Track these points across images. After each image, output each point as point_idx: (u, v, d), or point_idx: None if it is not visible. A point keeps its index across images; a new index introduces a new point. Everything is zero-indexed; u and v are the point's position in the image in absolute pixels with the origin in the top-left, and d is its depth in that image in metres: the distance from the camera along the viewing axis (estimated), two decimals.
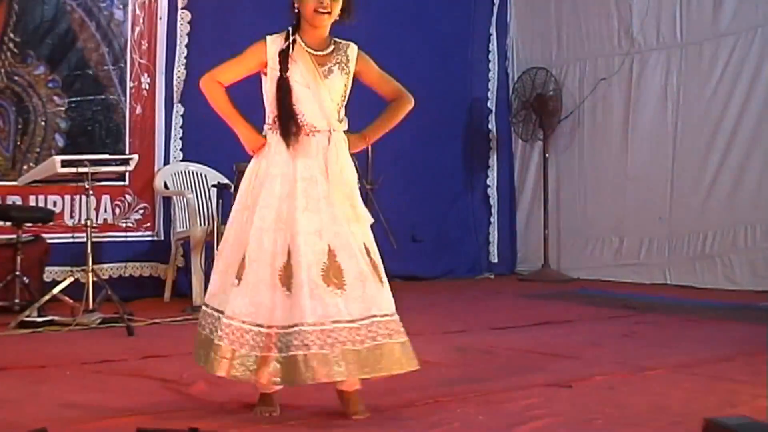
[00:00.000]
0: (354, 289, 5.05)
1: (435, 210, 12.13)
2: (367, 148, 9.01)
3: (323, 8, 5.29)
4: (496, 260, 12.90)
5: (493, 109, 12.99)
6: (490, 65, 13.00)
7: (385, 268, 10.28)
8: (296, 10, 5.30)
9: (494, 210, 12.97)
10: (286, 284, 4.96)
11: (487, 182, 12.98)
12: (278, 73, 5.25)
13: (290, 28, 5.32)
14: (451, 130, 12.61)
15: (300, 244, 4.97)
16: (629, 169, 11.79)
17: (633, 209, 11.67)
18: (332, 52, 5.53)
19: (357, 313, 5.00)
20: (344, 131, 5.60)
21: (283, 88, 5.25)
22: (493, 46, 13.01)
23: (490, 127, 12.96)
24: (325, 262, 5.03)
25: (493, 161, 12.99)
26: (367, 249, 5.25)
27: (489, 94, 12.99)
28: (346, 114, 5.64)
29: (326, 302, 4.91)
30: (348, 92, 5.67)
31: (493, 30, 12.98)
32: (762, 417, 3.91)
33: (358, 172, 9.15)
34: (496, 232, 12.98)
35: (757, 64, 10.68)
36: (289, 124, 5.23)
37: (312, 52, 5.38)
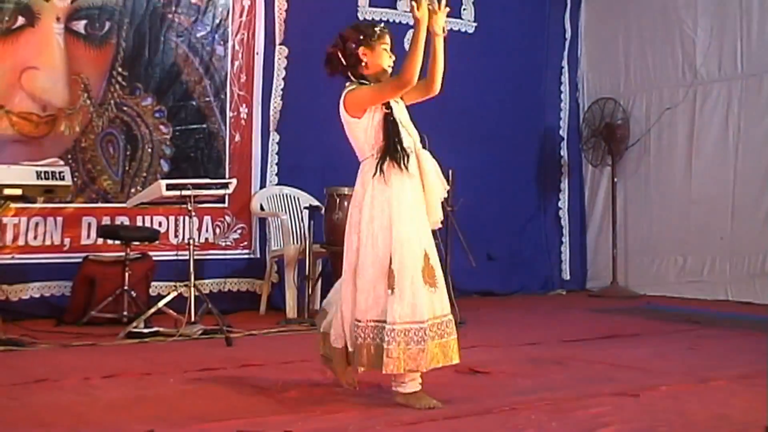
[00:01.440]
0: (441, 288, 5.63)
1: (510, 230, 12.10)
2: (448, 173, 9.04)
3: (392, 62, 5.71)
4: (568, 277, 12.84)
5: (565, 136, 12.95)
6: (562, 96, 12.96)
7: (463, 284, 10.34)
8: (363, 62, 5.63)
9: (566, 230, 12.93)
10: (430, 282, 5.51)
11: (559, 205, 12.93)
12: (386, 111, 5.56)
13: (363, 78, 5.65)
14: (526, 156, 12.58)
15: (430, 249, 5.60)
16: (692, 192, 11.70)
17: (696, 230, 11.58)
18: None
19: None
20: None
21: (392, 122, 5.55)
22: (565, 77, 12.97)
23: (561, 153, 12.92)
24: (423, 264, 5.50)
25: (565, 185, 12.94)
26: None
27: (561, 122, 12.95)
28: None
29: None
30: None
31: (564, 63, 12.95)
32: None
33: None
34: (567, 251, 12.92)
35: None
36: (399, 151, 5.50)
37: None
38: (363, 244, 5.47)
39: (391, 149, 5.51)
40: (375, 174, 5.50)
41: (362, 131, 5.58)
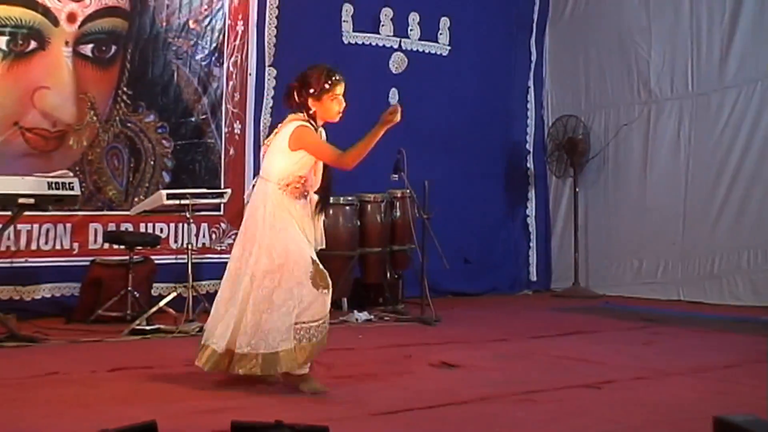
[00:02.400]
0: None
1: (481, 236, 12.11)
2: (424, 184, 9.05)
3: (341, 109, 5.83)
4: (534, 279, 12.86)
5: (531, 150, 12.97)
6: (528, 113, 12.98)
7: (438, 285, 10.34)
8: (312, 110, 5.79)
9: (532, 236, 12.94)
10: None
11: (526, 212, 12.96)
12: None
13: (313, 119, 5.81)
14: (495, 168, 12.60)
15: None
16: (647, 201, 11.73)
17: (650, 235, 11.61)
18: None
19: None
20: None
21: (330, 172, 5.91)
22: (531, 96, 12.99)
23: (528, 165, 12.94)
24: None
25: (531, 195, 12.96)
26: None
27: (527, 137, 12.97)
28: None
29: None
30: None
31: (531, 83, 12.97)
32: (765, 416, 3.87)
33: (413, 202, 9.24)
34: (534, 255, 12.94)
35: (757, 111, 10.64)
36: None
37: None
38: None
39: (326, 191, 5.92)
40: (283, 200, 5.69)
41: (290, 164, 5.68)
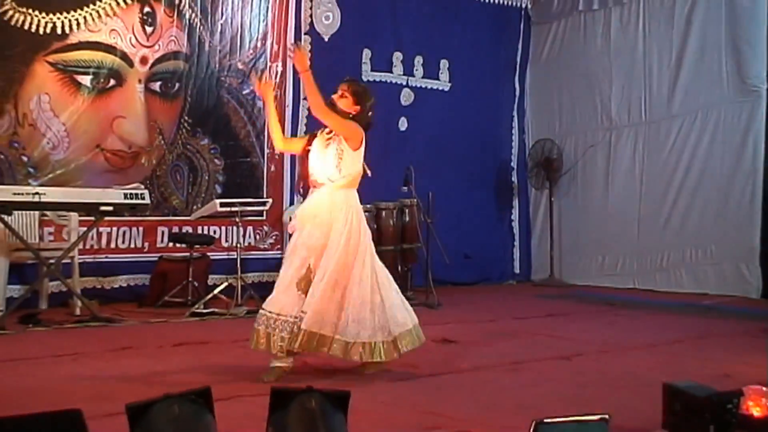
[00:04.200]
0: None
1: (475, 236, 12.07)
2: (429, 194, 9.03)
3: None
4: (518, 271, 12.81)
5: (515, 167, 12.93)
6: (513, 137, 12.94)
7: (439, 276, 10.31)
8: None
9: (516, 236, 12.90)
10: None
11: (511, 217, 12.92)
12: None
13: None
14: (486, 182, 12.58)
15: None
16: (609, 208, 11.71)
17: (612, 236, 11.59)
18: None
19: None
20: None
21: None
22: (515, 123, 12.95)
23: (512, 179, 12.90)
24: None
25: (515, 203, 12.93)
26: None
27: (512, 156, 12.93)
28: None
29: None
30: None
31: (515, 112, 12.93)
32: (705, 383, 3.87)
33: (419, 209, 9.15)
34: (517, 252, 12.90)
35: (698, 136, 10.64)
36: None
37: None
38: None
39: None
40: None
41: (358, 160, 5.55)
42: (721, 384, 4.10)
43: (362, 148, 5.39)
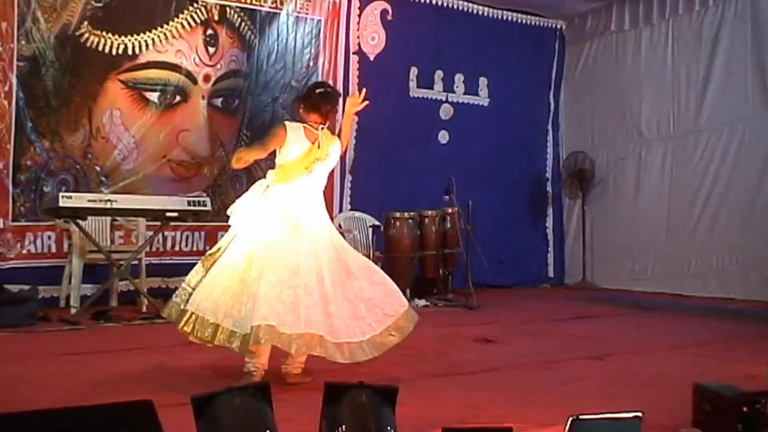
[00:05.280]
0: None
1: (512, 242, 12.03)
2: (468, 203, 9.00)
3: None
4: (552, 275, 12.75)
5: (550, 178, 12.87)
6: (548, 149, 12.89)
7: (478, 279, 10.24)
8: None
9: (550, 242, 12.84)
10: None
11: (546, 225, 12.86)
12: None
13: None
14: (523, 191, 12.53)
15: None
16: (639, 217, 11.61)
17: (641, 243, 11.48)
18: None
19: None
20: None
21: None
22: (550, 136, 12.90)
23: (547, 189, 12.84)
24: None
25: (550, 211, 12.87)
26: None
27: (547, 168, 12.88)
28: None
29: None
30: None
31: (549, 126, 12.89)
32: (732, 383, 3.83)
33: (460, 216, 9.08)
34: (551, 257, 12.84)
35: (724, 149, 10.50)
36: None
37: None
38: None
39: None
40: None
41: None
42: (748, 385, 4.05)
43: (289, 140, 5.21)
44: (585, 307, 9.65)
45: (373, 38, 10.93)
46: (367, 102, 5.22)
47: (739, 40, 10.40)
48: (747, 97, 10.30)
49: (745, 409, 3.48)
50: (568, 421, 2.91)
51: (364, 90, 5.24)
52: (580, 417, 2.94)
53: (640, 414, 3.03)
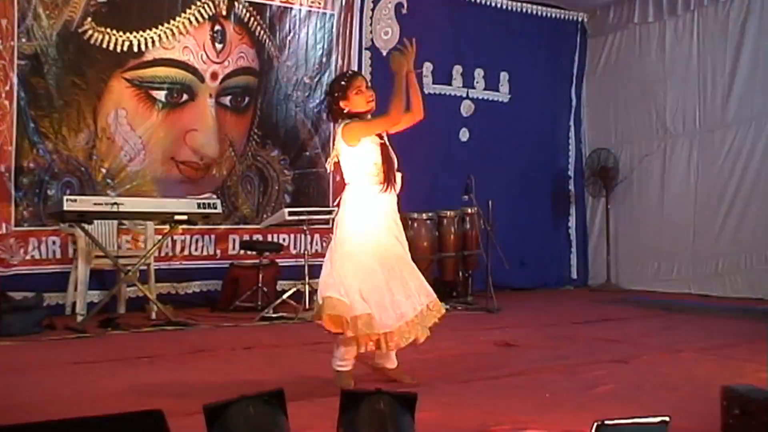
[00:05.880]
0: None
1: (533, 242, 12.03)
2: (488, 202, 9.00)
3: (370, 99, 5.16)
4: (575, 276, 12.74)
5: (572, 175, 12.86)
6: (570, 146, 12.88)
7: (499, 281, 10.25)
8: (346, 109, 5.13)
9: (573, 243, 12.83)
10: None
11: (568, 224, 12.85)
12: (381, 141, 5.11)
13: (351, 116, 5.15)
14: (545, 190, 12.53)
15: None
16: (664, 216, 11.59)
17: (667, 242, 11.46)
18: None
19: None
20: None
21: (386, 149, 5.13)
22: (572, 133, 12.89)
23: (570, 188, 12.83)
24: None
25: (572, 210, 12.85)
26: None
27: (569, 165, 12.86)
28: None
29: None
30: None
31: (571, 122, 12.87)
32: (762, 386, 3.82)
33: (480, 216, 9.07)
34: (574, 257, 12.83)
35: (752, 145, 10.48)
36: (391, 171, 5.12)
37: None
38: None
39: (387, 171, 5.08)
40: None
41: (355, 158, 5.10)
42: None
43: (359, 143, 5.07)
44: (609, 309, 9.63)
45: (386, 33, 10.93)
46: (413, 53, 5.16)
47: (766, 32, 10.37)
48: None
49: None
50: (593, 426, 2.91)
51: (413, 39, 5.14)
52: (605, 422, 2.94)
53: (666, 419, 3.03)
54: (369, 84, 5.24)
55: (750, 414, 3.57)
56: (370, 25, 10.85)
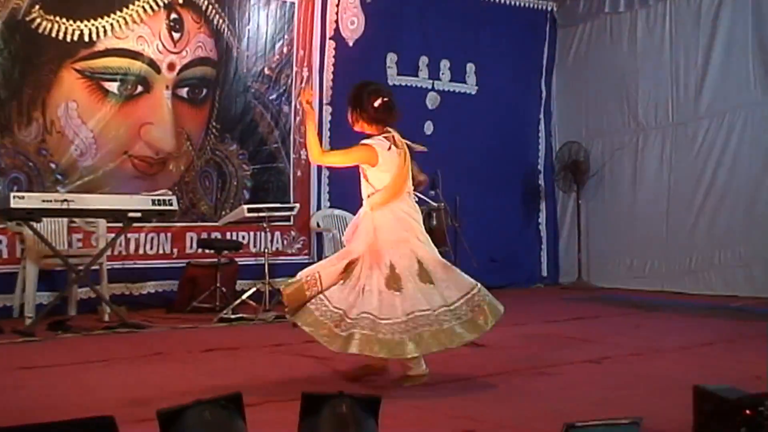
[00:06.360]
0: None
1: (502, 240, 12.05)
2: (456, 198, 8.99)
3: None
4: (545, 274, 12.78)
5: (542, 170, 12.89)
6: (540, 140, 12.91)
7: None
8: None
9: (544, 240, 12.87)
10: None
11: (539, 220, 12.88)
12: None
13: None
14: (514, 185, 12.55)
15: None
16: (637, 211, 11.67)
17: (639, 239, 11.54)
18: None
19: None
20: None
21: None
22: (542, 126, 12.92)
23: (540, 182, 12.87)
24: None
25: (543, 206, 12.89)
26: None
27: (539, 160, 12.90)
28: None
29: None
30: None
31: (541, 115, 12.90)
32: (737, 385, 3.84)
33: (446, 213, 9.09)
34: (545, 255, 12.87)
35: (725, 138, 10.59)
36: None
37: None
38: None
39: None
40: None
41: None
42: (753, 386, 4.07)
43: (380, 161, 5.24)
44: (581, 307, 9.69)
45: (352, 22, 10.91)
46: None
47: (740, 22, 10.47)
48: (748, 82, 10.38)
49: (748, 411, 3.48)
50: (563, 428, 2.91)
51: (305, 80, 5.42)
52: (576, 424, 2.94)
53: (638, 419, 3.04)
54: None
55: (722, 413, 3.59)
56: (336, 14, 10.80)
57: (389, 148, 5.28)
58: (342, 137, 10.40)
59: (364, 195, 5.39)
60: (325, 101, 10.50)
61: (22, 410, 4.46)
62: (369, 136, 5.34)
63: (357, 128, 5.42)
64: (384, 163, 5.24)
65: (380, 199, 5.26)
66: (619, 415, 3.15)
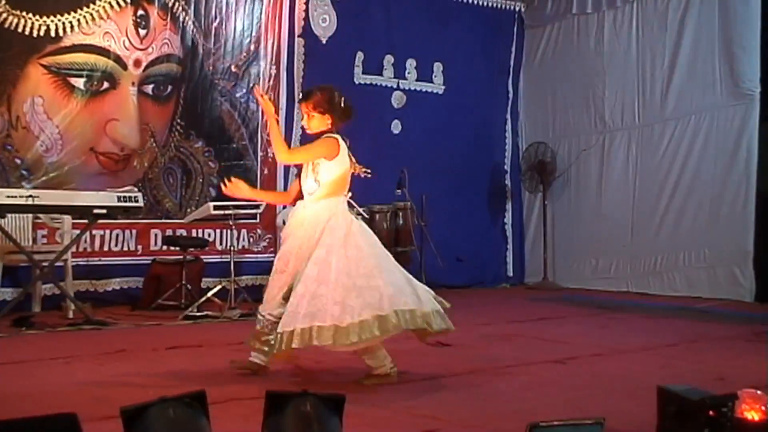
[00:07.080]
0: None
1: (468, 239, 12.08)
2: (422, 197, 9.03)
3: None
4: (511, 274, 12.81)
5: (508, 170, 12.93)
6: (506, 140, 12.95)
7: (433, 279, 10.32)
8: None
9: (509, 240, 12.90)
10: None
11: (504, 221, 12.92)
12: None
13: None
14: (480, 185, 12.58)
15: None
16: (602, 211, 11.73)
17: (605, 239, 11.60)
18: None
19: None
20: None
21: None
22: (509, 126, 12.96)
23: (506, 183, 12.90)
24: None
25: (509, 206, 12.92)
26: None
27: (505, 160, 12.93)
28: None
29: None
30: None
31: (508, 115, 12.94)
32: (700, 386, 3.87)
33: (413, 212, 9.13)
34: (511, 255, 12.90)
35: (691, 139, 10.67)
36: None
37: None
38: None
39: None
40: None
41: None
42: (716, 387, 4.11)
43: (340, 154, 5.26)
44: (546, 307, 9.72)
45: (324, 20, 10.89)
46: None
47: (707, 25, 10.55)
48: (714, 85, 10.46)
49: (711, 412, 3.52)
50: (526, 428, 2.93)
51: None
52: (540, 424, 2.96)
53: (601, 419, 3.06)
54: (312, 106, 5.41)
55: (686, 414, 3.62)
56: (305, 11, 10.77)
57: (348, 145, 5.35)
58: (307, 138, 10.41)
59: (305, 190, 5.37)
60: (295, 99, 10.48)
61: None
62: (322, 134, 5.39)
63: (317, 130, 5.39)
64: (342, 156, 5.29)
65: (321, 194, 5.27)
66: (583, 415, 3.16)
